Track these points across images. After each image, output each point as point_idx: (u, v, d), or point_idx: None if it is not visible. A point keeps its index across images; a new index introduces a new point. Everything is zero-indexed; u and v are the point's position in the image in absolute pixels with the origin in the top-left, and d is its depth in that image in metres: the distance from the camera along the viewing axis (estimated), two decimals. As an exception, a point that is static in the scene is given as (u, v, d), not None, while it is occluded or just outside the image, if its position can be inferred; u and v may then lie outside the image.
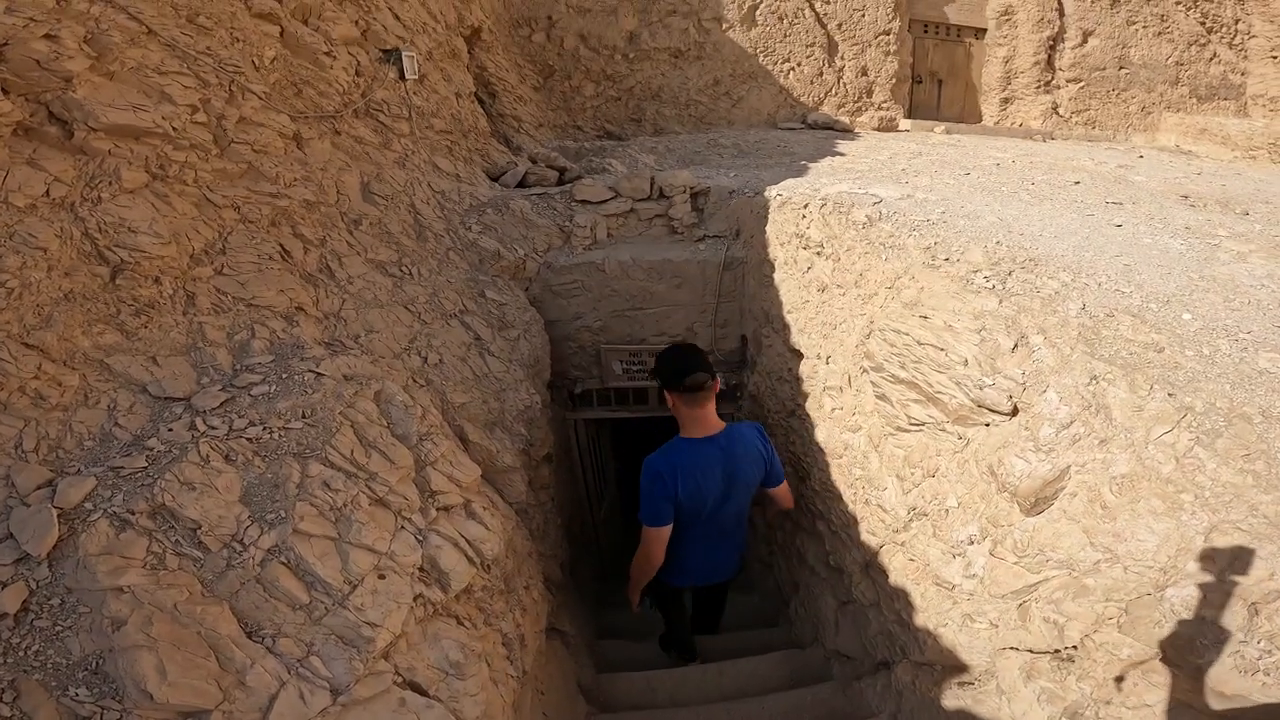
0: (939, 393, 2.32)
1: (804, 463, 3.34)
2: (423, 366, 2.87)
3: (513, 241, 3.97)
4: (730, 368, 4.27)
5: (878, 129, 7.54)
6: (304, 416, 2.11)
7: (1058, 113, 8.03)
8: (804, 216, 3.45)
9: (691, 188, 4.19)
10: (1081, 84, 8.00)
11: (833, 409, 2.99)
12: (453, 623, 2.01)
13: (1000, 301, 2.35)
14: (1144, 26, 8.15)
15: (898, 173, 4.61)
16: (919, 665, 2.64)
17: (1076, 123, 8.04)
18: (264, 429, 2.06)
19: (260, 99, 2.82)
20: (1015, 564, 2.10)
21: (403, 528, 2.00)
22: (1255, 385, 1.94)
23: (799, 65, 7.51)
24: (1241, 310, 2.33)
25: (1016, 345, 2.19)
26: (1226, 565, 1.63)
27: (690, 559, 3.00)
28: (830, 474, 3.06)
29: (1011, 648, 2.13)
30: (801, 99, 7.53)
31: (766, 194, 3.88)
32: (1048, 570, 2.00)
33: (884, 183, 4.14)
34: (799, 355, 3.28)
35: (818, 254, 3.28)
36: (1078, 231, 3.16)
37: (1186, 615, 1.67)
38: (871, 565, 2.92)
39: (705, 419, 2.75)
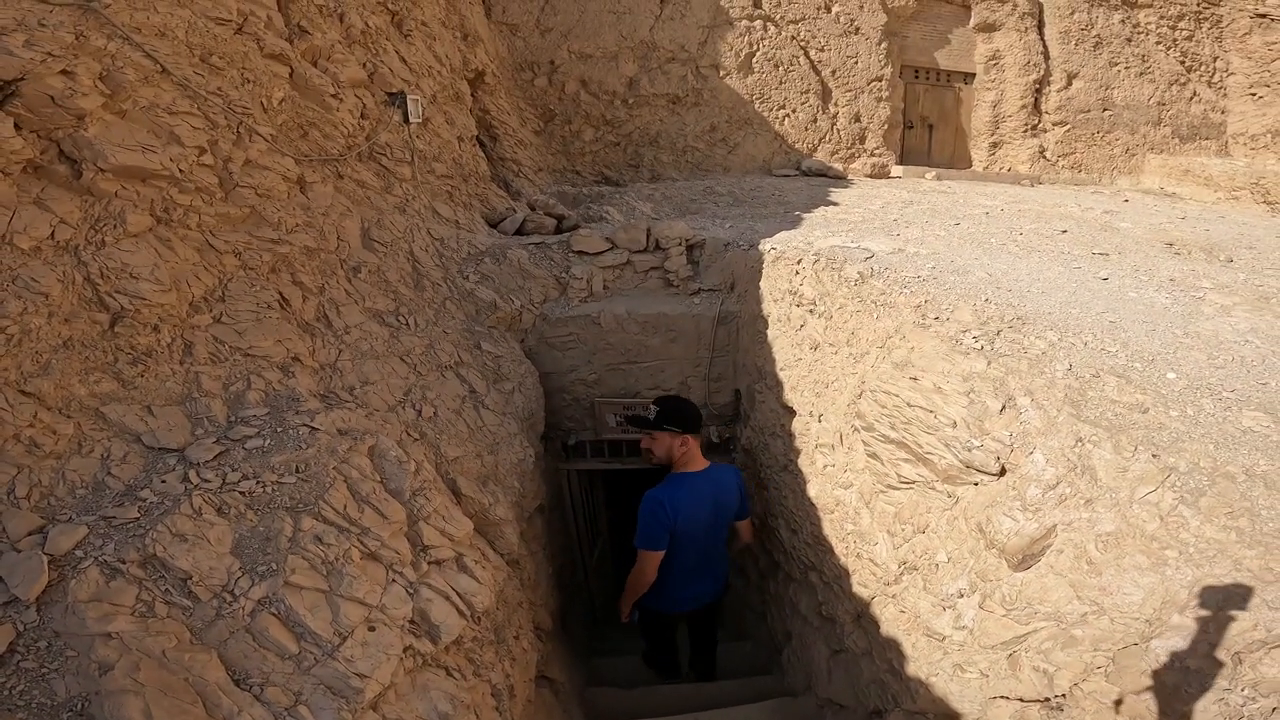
0: (928, 453, 2.35)
1: (796, 516, 3.35)
2: (417, 420, 2.88)
3: (510, 292, 4.02)
4: (724, 422, 4.29)
5: (870, 175, 7.69)
6: (297, 471, 2.13)
7: (1045, 156, 8.19)
8: (797, 273, 3.51)
9: (687, 240, 4.26)
10: (1067, 126, 8.18)
11: (825, 465, 3.01)
12: (442, 674, 2.00)
13: (989, 363, 2.39)
14: (1126, 67, 8.35)
15: (889, 223, 4.70)
16: (911, 714, 2.62)
17: (1063, 166, 8.19)
18: (257, 483, 2.08)
19: (267, 141, 2.83)
20: (1004, 616, 2.12)
21: (394, 581, 2.01)
22: (1238, 445, 1.98)
23: (794, 111, 7.68)
24: (1225, 367, 2.37)
25: (1004, 407, 2.23)
26: (1210, 617, 1.65)
27: (679, 587, 3.41)
28: (822, 528, 3.07)
29: (1002, 696, 2.13)
30: (796, 145, 7.68)
31: (761, 247, 3.94)
32: (1036, 622, 2.02)
33: (876, 235, 4.22)
34: (791, 412, 3.31)
35: (810, 312, 3.33)
36: (1065, 286, 3.23)
37: (1172, 665, 1.69)
38: (863, 616, 2.92)
39: (699, 457, 3.33)
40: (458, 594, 2.16)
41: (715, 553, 3.47)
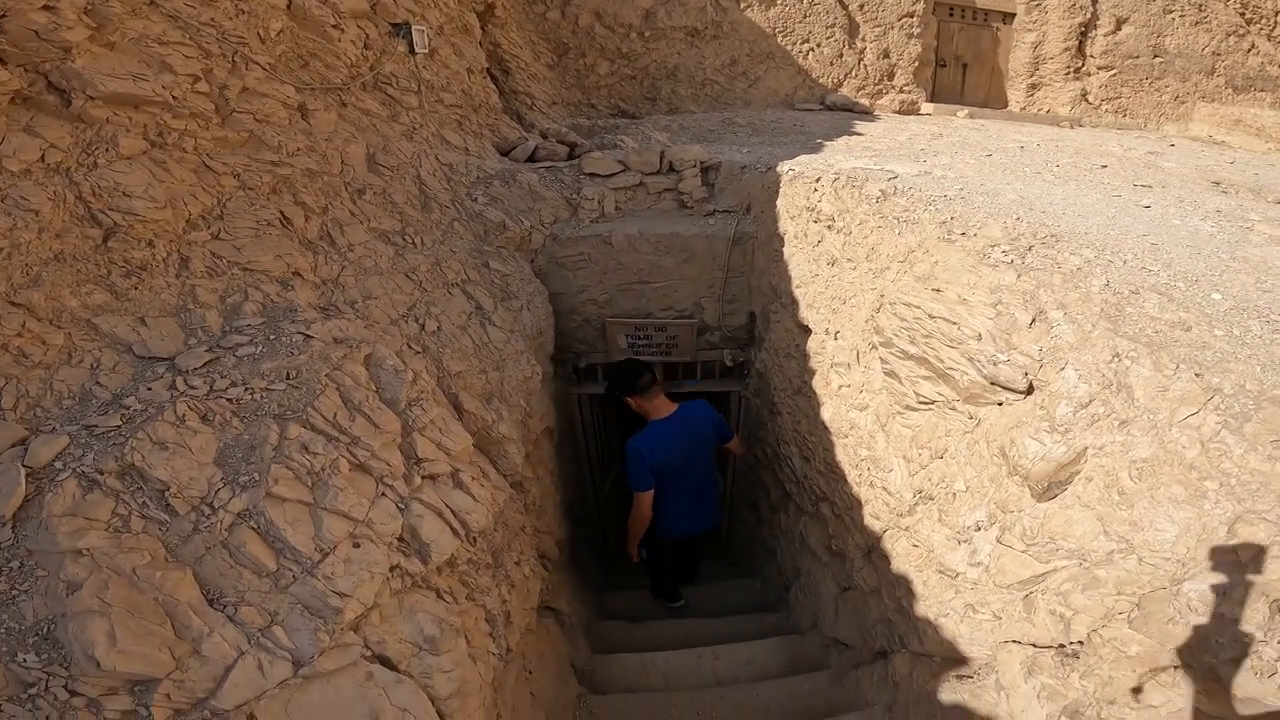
0: (950, 369, 2.18)
1: (809, 442, 3.22)
2: (420, 333, 2.77)
3: (519, 213, 3.86)
4: (738, 345, 4.14)
5: (898, 112, 7.32)
6: (288, 378, 2.02)
7: (1087, 100, 7.74)
8: (815, 190, 3.30)
9: (702, 162, 4.05)
10: (1113, 71, 7.71)
11: (840, 386, 2.86)
12: (432, 596, 1.92)
13: (1018, 276, 2.20)
14: (1181, 15, 7.83)
15: (916, 152, 4.44)
16: (917, 656, 2.52)
17: (1106, 110, 7.75)
18: (245, 389, 1.97)
19: (264, 70, 2.78)
20: (1023, 552, 1.98)
21: (384, 495, 1.91)
22: (1290, 368, 1.80)
23: (818, 46, 7.30)
24: (1275, 291, 2.17)
25: (1034, 320, 2.05)
26: (1250, 560, 1.50)
27: (673, 513, 3.70)
28: (835, 454, 2.94)
29: (1014, 641, 2.01)
30: (820, 80, 7.32)
31: (779, 169, 3.73)
32: (1057, 560, 1.87)
33: (901, 160, 3.98)
34: (807, 331, 3.15)
35: (829, 227, 3.13)
36: (1103, 211, 3.00)
37: (1203, 612, 1.54)
38: (874, 550, 2.80)
39: (661, 405, 3.54)
40: (452, 511, 2.07)
41: (704, 485, 3.78)
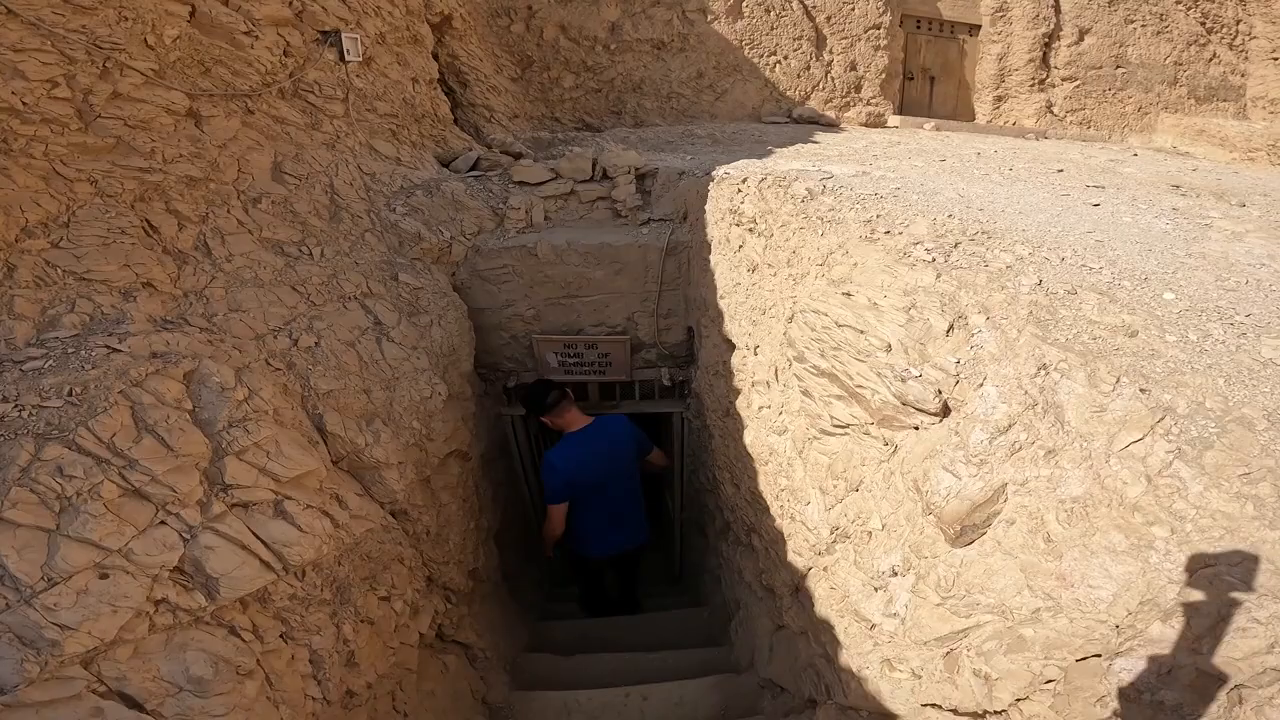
0: (860, 386, 1.82)
1: (736, 468, 2.84)
2: (290, 349, 2.42)
3: (439, 224, 3.51)
4: (676, 363, 3.77)
5: (866, 124, 7.00)
6: (69, 394, 1.66)
7: (1052, 111, 7.42)
8: (739, 191, 2.96)
9: (637, 168, 3.72)
10: (1077, 83, 7.39)
11: (760, 407, 2.49)
12: (218, 634, 1.58)
13: (938, 276, 1.84)
14: (1142, 25, 7.53)
15: (866, 157, 4.10)
16: (844, 709, 2.14)
17: (1071, 122, 7.42)
18: (15, 406, 1.64)
19: (145, 76, 2.49)
20: (939, 605, 1.62)
21: (162, 523, 1.56)
22: (1258, 380, 1.43)
23: (785, 59, 7.00)
24: (1238, 290, 1.81)
25: (952, 327, 1.69)
26: (1206, 629, 1.12)
27: (595, 531, 3.56)
28: (758, 482, 2.57)
29: (934, 705, 1.63)
30: (788, 93, 7.01)
31: (714, 173, 3.39)
32: (979, 614, 1.50)
33: (844, 163, 3.64)
34: (731, 346, 2.79)
35: (750, 230, 2.78)
36: (1047, 209, 2.65)
37: (1141, 693, 1.17)
38: (800, 589, 2.44)
39: (575, 419, 3.41)
40: (265, 543, 1.70)
41: (626, 500, 3.59)
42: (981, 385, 1.55)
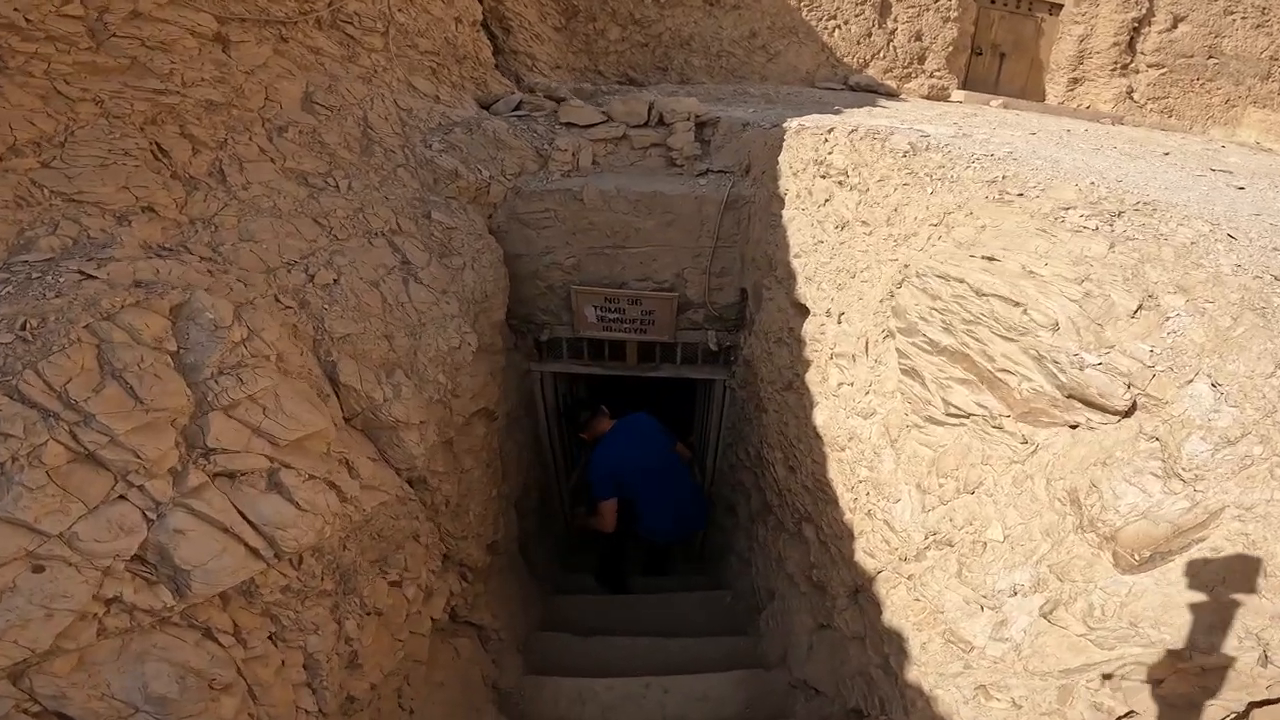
0: (1003, 370, 1.43)
1: (796, 449, 2.46)
2: (305, 285, 2.06)
3: (478, 162, 3.11)
4: (725, 327, 3.37)
5: (926, 97, 6.46)
6: (21, 329, 1.30)
7: (1132, 98, 6.82)
8: (826, 141, 2.53)
9: (697, 116, 3.29)
10: (1163, 70, 6.79)
11: (840, 384, 2.10)
12: (191, 638, 1.22)
13: (1111, 246, 1.43)
14: (1243, 17, 6.89)
15: (950, 122, 3.64)
16: (900, 729, 1.81)
17: (1152, 110, 6.83)
18: (-50, 339, 1.26)
19: None
20: (1082, 635, 1.26)
21: (121, 498, 1.19)
22: None
23: (845, 24, 6.44)
24: None
25: (1140, 307, 1.28)
26: None
27: (652, 516, 3.53)
28: (827, 469, 2.19)
29: (1027, 736, 1.28)
30: (845, 59, 6.47)
31: (786, 125, 2.95)
32: (1128, 647, 1.14)
33: (933, 124, 3.19)
34: (804, 312, 2.39)
35: (840, 183, 2.36)
36: (1191, 188, 2.22)
37: None
38: (863, 592, 2.09)
39: (604, 423, 3.52)
40: (252, 525, 1.35)
41: (676, 486, 3.57)
42: (1191, 382, 1.15)
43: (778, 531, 2.97)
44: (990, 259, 1.52)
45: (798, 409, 2.40)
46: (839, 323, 2.13)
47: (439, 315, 2.40)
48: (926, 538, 1.69)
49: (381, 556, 1.81)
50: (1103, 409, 1.23)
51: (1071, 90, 6.89)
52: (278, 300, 1.94)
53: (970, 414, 1.54)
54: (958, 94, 6.45)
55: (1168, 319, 1.25)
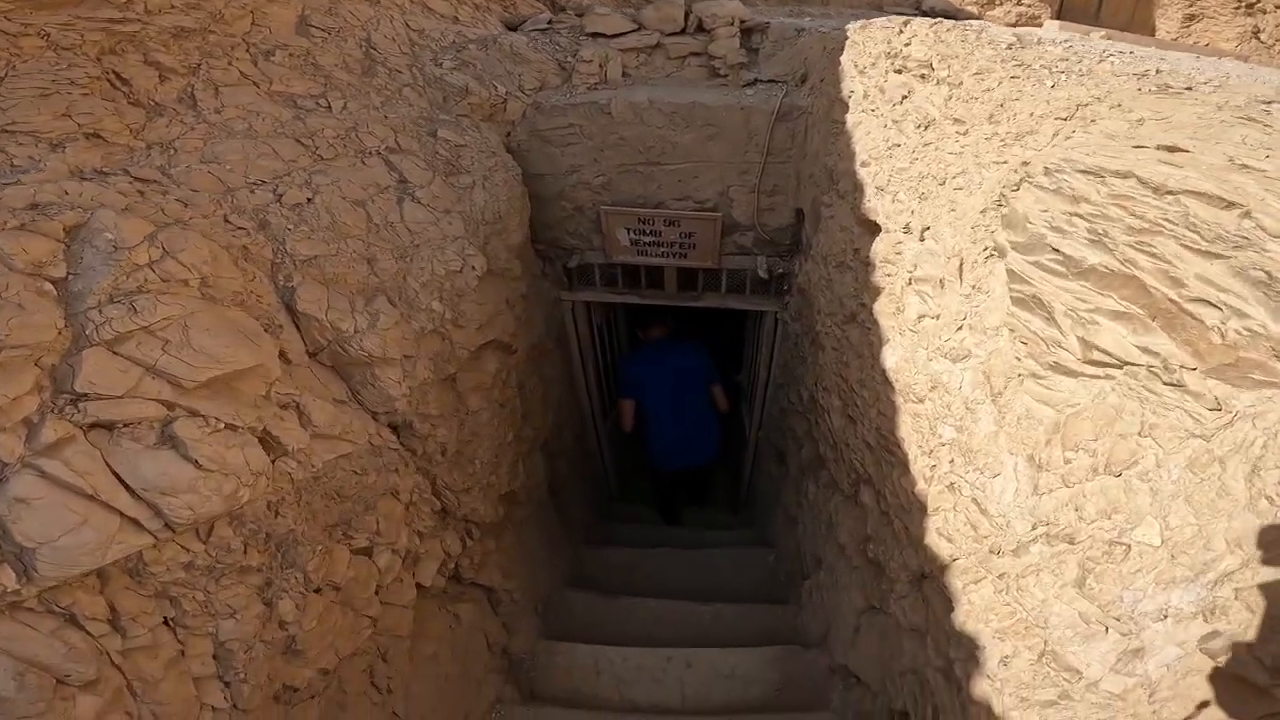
0: (1196, 301, 0.88)
1: (858, 396, 1.94)
2: (268, 205, 1.67)
3: (493, 78, 2.62)
4: (777, 252, 2.80)
5: (1014, 25, 5.53)
6: None
7: (1259, 38, 5.64)
8: (901, 33, 1.92)
9: (742, 20, 2.68)
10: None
11: (920, 316, 1.55)
12: (44, 626, 0.92)
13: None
14: (1392, -43, 5.59)
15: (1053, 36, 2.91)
16: (954, 744, 1.36)
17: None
18: None
19: None
20: (1265, 688, 0.76)
21: None
22: None
23: (919, -60, 5.51)
24: None
25: None
26: None
27: (664, 447, 3.58)
28: (896, 423, 1.67)
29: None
30: (916, -19, 5.57)
31: (849, 26, 2.32)
32: None
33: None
34: (874, 229, 1.82)
35: (921, 77, 1.76)
36: None
37: None
38: (931, 580, 1.61)
39: (657, 334, 3.49)
40: (130, 490, 0.95)
41: (696, 419, 3.53)
42: None
43: (830, 491, 2.48)
44: (1172, 148, 0.96)
45: (862, 347, 1.86)
46: (921, 239, 1.57)
47: (436, 236, 1.96)
48: (1034, 528, 1.18)
49: (343, 520, 1.43)
50: None
51: (1187, 27, 5.74)
52: (227, 221, 1.53)
53: (1127, 362, 1.00)
54: (1050, 24, 5.44)
55: None
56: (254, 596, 1.19)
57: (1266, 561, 0.86)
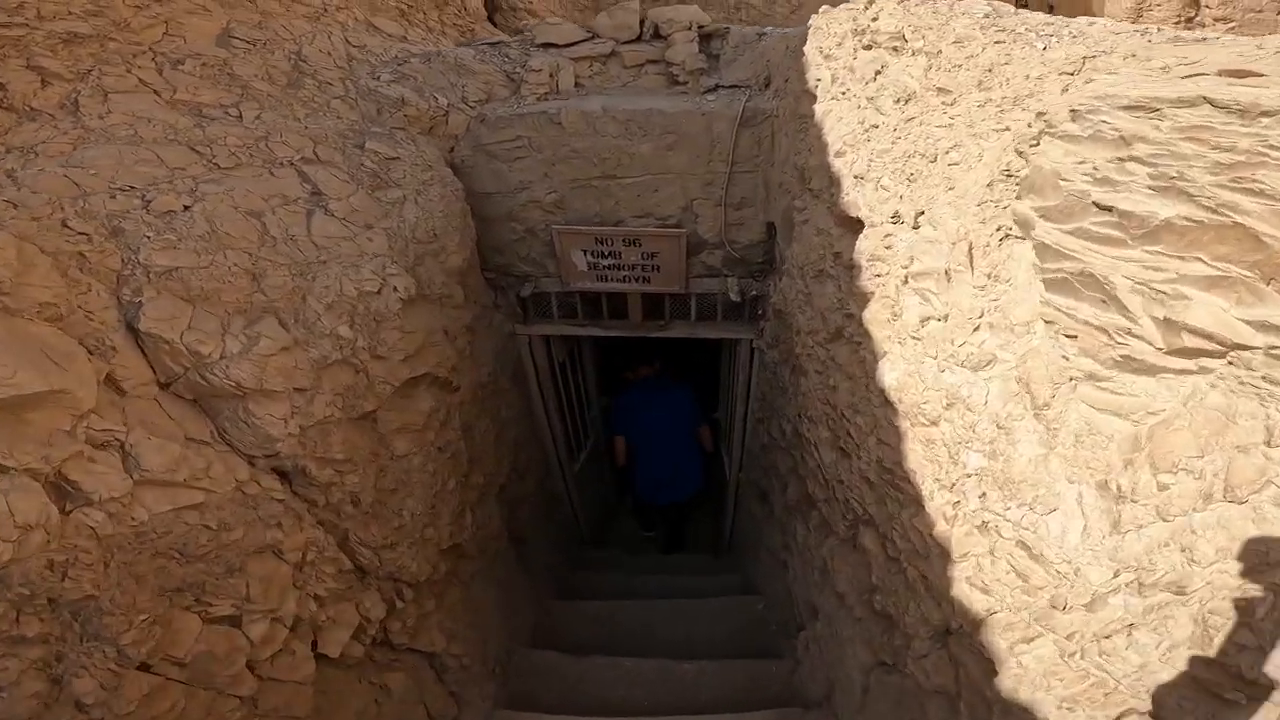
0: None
1: (851, 424, 1.63)
2: (130, 211, 1.35)
3: (433, 90, 2.36)
4: (749, 272, 2.52)
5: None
6: None
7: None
8: (866, 9, 1.69)
9: (700, 25, 2.47)
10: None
11: (925, 319, 1.25)
12: None
13: None
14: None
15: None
16: None
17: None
18: None
19: None
20: None
21: None
22: None
23: (870, -31, 5.52)
24: None
25: None
26: None
27: (651, 481, 3.63)
28: (903, 453, 1.35)
29: None
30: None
31: (811, 17, 2.11)
32: None
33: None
34: (855, 226, 1.53)
35: (894, 50, 1.53)
36: None
37: None
38: (960, 636, 1.28)
39: (644, 371, 3.73)
40: None
41: (676, 454, 3.59)
42: None
43: (822, 534, 2.14)
44: (1240, 72, 0.70)
45: (852, 366, 1.56)
46: (915, 227, 1.29)
47: (350, 253, 1.65)
48: (1116, 575, 0.87)
49: (190, 584, 1.08)
50: None
51: (1138, 14, 5.76)
52: (65, 225, 1.22)
53: (1236, 344, 0.71)
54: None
55: None
56: (31, 672, 0.84)
57: None
